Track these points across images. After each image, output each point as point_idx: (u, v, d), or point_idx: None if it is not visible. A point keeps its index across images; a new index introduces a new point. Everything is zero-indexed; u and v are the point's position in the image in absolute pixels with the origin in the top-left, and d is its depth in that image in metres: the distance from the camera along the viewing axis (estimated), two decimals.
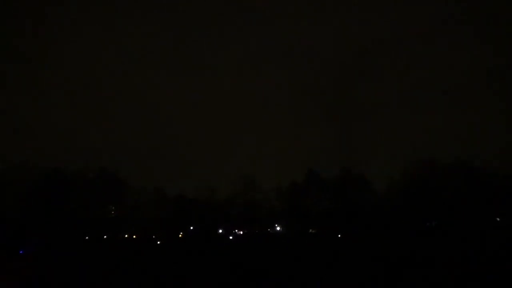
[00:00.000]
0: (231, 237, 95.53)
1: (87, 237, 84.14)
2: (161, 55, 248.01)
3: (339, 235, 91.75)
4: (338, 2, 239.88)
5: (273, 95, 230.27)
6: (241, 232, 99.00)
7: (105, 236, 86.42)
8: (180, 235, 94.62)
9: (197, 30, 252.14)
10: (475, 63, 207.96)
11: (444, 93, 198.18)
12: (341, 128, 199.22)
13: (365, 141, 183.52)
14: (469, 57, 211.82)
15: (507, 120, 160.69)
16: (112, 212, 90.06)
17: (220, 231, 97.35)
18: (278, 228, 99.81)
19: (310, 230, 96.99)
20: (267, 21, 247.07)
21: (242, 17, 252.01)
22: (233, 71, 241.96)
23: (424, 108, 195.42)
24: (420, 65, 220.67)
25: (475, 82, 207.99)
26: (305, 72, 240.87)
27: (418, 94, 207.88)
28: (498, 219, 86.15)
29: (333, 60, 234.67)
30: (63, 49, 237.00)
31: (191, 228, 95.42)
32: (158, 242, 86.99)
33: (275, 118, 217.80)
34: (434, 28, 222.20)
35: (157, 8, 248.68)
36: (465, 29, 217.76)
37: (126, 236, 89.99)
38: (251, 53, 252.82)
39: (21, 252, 72.72)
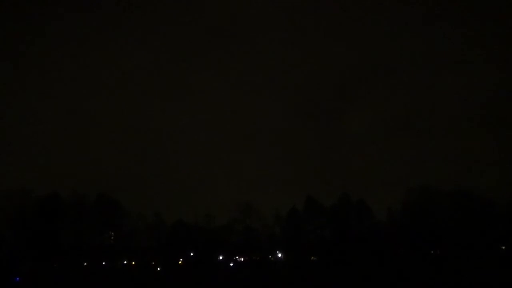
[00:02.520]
0: (231, 264, 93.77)
1: (85, 264, 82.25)
2: (157, 81, 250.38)
3: (341, 263, 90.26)
4: (329, 31, 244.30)
5: (272, 121, 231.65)
6: (242, 259, 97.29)
7: (103, 263, 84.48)
8: (180, 262, 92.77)
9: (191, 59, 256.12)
10: (473, 90, 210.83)
11: (442, 120, 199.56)
12: (339, 154, 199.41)
13: (364, 168, 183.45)
14: (468, 83, 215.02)
15: (505, 148, 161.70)
16: (112, 238, 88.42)
17: (221, 257, 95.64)
18: (279, 255, 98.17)
19: (312, 258, 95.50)
20: (263, 47, 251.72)
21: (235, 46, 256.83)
22: (229, 100, 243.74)
23: (421, 135, 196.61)
24: (418, 91, 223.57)
25: (474, 108, 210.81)
26: (303, 98, 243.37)
27: (415, 120, 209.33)
28: (503, 247, 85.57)
29: (330, 85, 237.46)
30: (59, 72, 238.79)
31: (191, 254, 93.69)
32: (158, 269, 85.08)
33: (274, 144, 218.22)
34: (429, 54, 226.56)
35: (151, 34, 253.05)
36: (459, 55, 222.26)
37: (125, 262, 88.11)
38: (249, 79, 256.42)
39: (17, 279, 70.61)
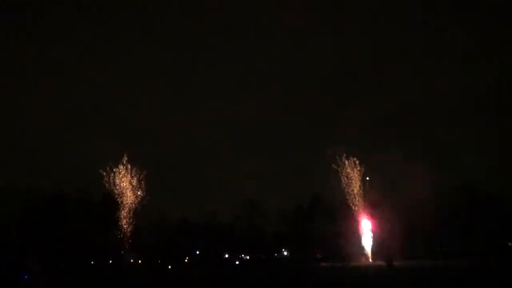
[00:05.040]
0: (237, 262, 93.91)
1: (92, 262, 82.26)
2: (157, 80, 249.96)
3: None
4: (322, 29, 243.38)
5: (277, 118, 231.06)
6: (248, 257, 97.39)
7: (110, 261, 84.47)
8: (186, 260, 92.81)
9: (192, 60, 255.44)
10: (470, 82, 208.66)
11: (441, 112, 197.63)
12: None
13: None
14: (463, 76, 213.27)
15: (505, 142, 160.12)
16: (119, 237, 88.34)
17: (226, 255, 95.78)
18: (285, 253, 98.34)
19: (318, 255, 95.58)
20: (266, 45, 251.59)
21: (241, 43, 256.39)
22: (234, 94, 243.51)
23: (421, 128, 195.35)
24: (417, 84, 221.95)
25: (473, 101, 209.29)
26: (301, 94, 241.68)
27: (414, 113, 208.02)
28: (510, 243, 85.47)
29: (330, 82, 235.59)
30: (61, 72, 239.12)
31: (197, 252, 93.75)
32: (170, 267, 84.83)
33: (278, 141, 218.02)
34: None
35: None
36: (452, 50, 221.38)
37: (131, 260, 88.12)
38: (253, 74, 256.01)
39: (25, 277, 70.66)
